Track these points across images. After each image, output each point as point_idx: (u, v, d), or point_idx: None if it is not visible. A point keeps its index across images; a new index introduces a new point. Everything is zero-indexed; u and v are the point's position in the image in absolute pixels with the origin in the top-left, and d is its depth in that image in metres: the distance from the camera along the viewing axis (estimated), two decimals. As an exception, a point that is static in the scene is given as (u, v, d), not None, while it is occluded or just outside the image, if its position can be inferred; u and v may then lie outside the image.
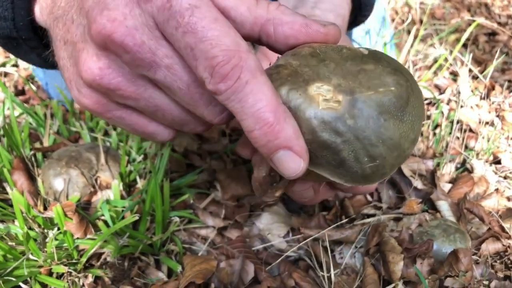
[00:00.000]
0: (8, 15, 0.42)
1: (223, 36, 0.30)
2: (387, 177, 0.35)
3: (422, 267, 0.56)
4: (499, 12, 1.65)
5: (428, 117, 0.90)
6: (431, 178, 0.74)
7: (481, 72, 1.09)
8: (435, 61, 1.10)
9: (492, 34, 1.46)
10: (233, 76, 0.30)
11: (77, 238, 0.56)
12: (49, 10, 0.38)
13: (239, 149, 0.44)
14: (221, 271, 0.56)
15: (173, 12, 0.30)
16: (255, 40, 0.36)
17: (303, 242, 0.61)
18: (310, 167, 0.34)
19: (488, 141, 0.82)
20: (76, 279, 0.54)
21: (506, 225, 0.63)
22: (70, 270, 0.54)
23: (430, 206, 0.69)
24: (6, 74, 0.97)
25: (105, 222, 0.59)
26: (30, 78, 0.96)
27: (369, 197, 0.70)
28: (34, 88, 0.88)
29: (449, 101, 0.96)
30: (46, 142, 0.72)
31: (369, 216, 0.66)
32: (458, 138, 0.83)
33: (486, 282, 0.56)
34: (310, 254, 0.60)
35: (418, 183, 0.71)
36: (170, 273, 0.58)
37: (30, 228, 0.57)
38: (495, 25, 1.42)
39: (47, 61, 0.45)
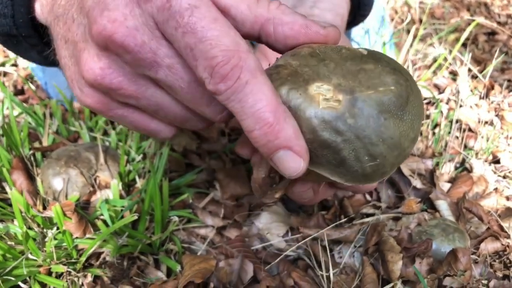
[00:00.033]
0: (7, 12, 0.42)
1: (222, 36, 0.30)
2: (387, 176, 0.35)
3: (421, 266, 0.56)
4: (498, 11, 1.65)
5: (428, 117, 0.90)
6: (430, 177, 0.74)
7: (481, 71, 1.09)
8: (435, 60, 1.10)
9: (492, 33, 1.45)
10: (232, 76, 0.30)
11: (76, 237, 0.56)
12: (50, 8, 0.38)
13: (238, 148, 0.44)
14: (220, 270, 0.56)
15: (173, 12, 0.30)
16: (255, 38, 0.36)
17: (302, 242, 0.61)
18: (310, 167, 0.34)
19: (487, 140, 0.82)
20: (75, 279, 0.54)
21: (505, 225, 0.63)
22: (69, 270, 0.54)
23: (429, 205, 0.69)
24: (5, 74, 0.97)
25: (104, 221, 0.59)
26: (29, 78, 0.96)
27: (368, 197, 0.70)
28: (33, 87, 0.88)
29: (448, 100, 0.96)
30: (45, 142, 0.72)
31: (368, 215, 0.66)
32: (457, 137, 0.84)
33: (485, 282, 0.56)
34: (309, 254, 0.60)
35: (417, 183, 0.71)
36: (169, 272, 0.58)
37: (29, 228, 0.57)
38: (494, 25, 1.42)
39: (47, 59, 0.45)
